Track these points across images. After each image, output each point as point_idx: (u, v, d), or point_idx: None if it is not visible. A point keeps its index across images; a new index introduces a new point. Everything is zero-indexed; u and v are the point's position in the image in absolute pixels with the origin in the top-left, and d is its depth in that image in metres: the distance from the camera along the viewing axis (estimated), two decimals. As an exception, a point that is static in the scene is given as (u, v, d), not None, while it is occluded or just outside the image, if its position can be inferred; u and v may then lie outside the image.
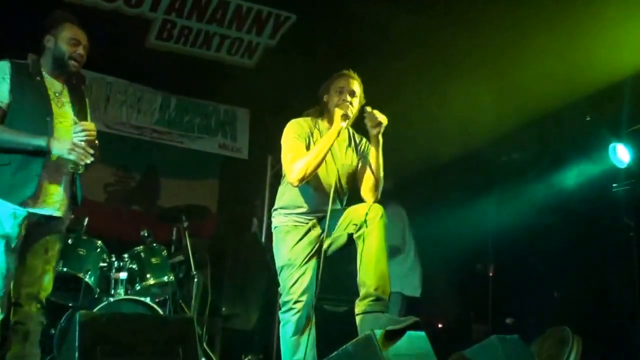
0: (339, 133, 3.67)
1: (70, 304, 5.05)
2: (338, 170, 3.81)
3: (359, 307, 3.48)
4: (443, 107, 5.44)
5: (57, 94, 3.64)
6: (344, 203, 3.91)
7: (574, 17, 4.70)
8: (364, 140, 3.97)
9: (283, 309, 3.74)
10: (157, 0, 6.12)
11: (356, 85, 3.84)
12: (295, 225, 3.77)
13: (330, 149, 3.66)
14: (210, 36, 6.51)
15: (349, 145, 3.92)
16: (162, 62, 6.68)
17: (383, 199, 3.85)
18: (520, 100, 5.23)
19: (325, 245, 3.74)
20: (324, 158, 3.63)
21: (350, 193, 3.96)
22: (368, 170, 3.83)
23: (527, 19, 4.90)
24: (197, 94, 7.45)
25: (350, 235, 3.63)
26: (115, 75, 7.14)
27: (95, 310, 4.56)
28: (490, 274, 7.12)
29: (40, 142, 3.41)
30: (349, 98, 3.78)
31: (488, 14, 4.83)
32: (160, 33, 6.48)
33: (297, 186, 3.67)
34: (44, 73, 3.67)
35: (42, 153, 3.44)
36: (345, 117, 3.68)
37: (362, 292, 3.50)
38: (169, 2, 6.16)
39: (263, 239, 6.65)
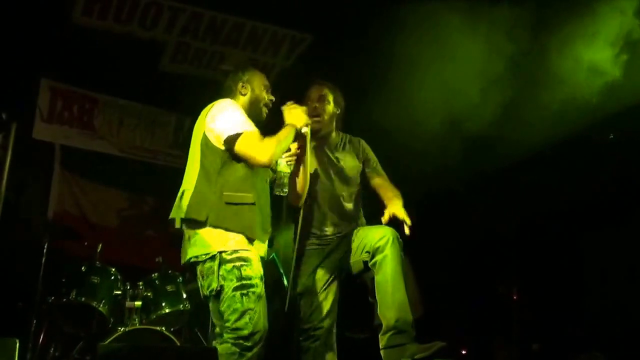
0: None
1: (82, 334, 4.94)
2: (335, 181, 3.81)
3: (382, 341, 3.45)
4: (465, 124, 5.33)
5: None
6: (359, 207, 3.93)
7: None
8: (362, 142, 4.05)
9: (303, 336, 3.71)
10: (171, 23, 6.09)
11: (324, 92, 3.91)
12: (314, 249, 3.75)
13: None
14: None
15: (344, 149, 3.94)
16: (176, 84, 6.62)
17: None
18: (550, 116, 5.13)
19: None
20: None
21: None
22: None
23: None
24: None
25: (366, 262, 3.60)
26: (129, 98, 7.09)
27: (109, 340, 4.44)
28: (514, 297, 6.95)
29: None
30: (314, 105, 3.85)
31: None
32: (174, 55, 6.44)
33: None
34: None
35: (269, 190, 3.41)
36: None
37: (383, 324, 3.47)
38: (183, 25, 6.12)
39: (280, 264, 6.53)
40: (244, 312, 3.07)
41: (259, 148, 3.17)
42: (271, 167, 3.44)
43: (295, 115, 3.39)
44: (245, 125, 3.24)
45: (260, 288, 3.15)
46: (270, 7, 5.85)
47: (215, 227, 3.14)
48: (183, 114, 7.23)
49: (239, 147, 3.19)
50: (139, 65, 6.41)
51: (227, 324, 3.09)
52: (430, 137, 5.23)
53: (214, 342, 3.19)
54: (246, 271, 3.11)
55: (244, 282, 3.09)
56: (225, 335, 3.10)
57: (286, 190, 3.42)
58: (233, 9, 6.04)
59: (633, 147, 5.53)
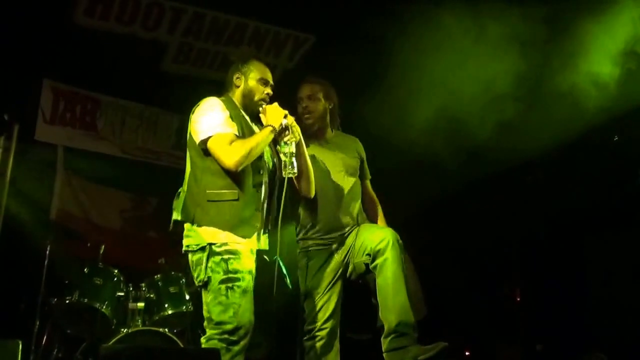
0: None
1: (85, 336, 4.93)
2: (334, 177, 3.78)
3: (384, 344, 3.45)
4: (471, 128, 5.32)
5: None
6: (359, 202, 3.91)
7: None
8: (358, 141, 4.07)
9: (306, 336, 3.70)
10: (173, 23, 6.06)
11: (314, 89, 3.90)
12: (317, 250, 3.73)
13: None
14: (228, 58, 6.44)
15: (341, 144, 3.94)
16: (178, 84, 6.61)
17: None
18: (548, 120, 5.12)
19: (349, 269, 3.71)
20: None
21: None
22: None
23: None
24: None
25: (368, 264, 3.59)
26: (131, 99, 7.08)
27: (112, 342, 4.44)
28: (517, 298, 6.95)
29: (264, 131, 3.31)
30: (304, 104, 3.87)
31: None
32: (176, 56, 6.42)
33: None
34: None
35: (259, 186, 3.33)
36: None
37: (385, 327, 3.47)
38: (186, 25, 6.10)
39: (283, 264, 6.52)
40: (228, 305, 3.09)
41: (225, 151, 3.18)
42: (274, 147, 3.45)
43: (270, 115, 3.36)
44: (218, 127, 3.25)
45: (246, 282, 3.16)
46: (272, 8, 5.84)
47: (200, 225, 3.19)
48: (185, 115, 7.18)
49: (209, 149, 3.24)
50: (141, 66, 6.40)
51: (212, 316, 3.11)
52: (433, 137, 5.22)
53: (201, 338, 3.19)
54: (233, 265, 3.13)
55: (230, 275, 3.12)
56: (210, 332, 3.12)
57: (295, 171, 3.32)
58: (235, 9, 6.02)
59: (635, 149, 5.54)
